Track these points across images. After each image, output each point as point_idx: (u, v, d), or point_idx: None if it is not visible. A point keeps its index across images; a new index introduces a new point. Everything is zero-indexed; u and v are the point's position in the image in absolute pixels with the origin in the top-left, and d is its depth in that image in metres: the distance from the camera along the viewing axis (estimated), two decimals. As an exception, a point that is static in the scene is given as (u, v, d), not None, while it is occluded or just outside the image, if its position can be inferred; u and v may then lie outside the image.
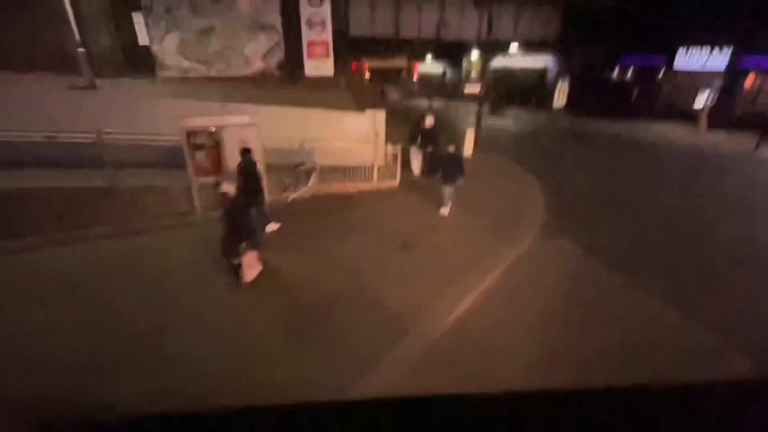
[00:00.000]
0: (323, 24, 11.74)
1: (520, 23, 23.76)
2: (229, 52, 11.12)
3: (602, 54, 23.34)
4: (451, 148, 8.69)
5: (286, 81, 12.02)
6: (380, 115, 11.60)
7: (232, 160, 7.85)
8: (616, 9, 23.61)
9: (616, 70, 22.78)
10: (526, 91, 28.71)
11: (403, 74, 47.11)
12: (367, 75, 48.75)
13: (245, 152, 6.87)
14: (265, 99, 10.93)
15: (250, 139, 7.85)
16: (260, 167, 7.33)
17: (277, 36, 11.58)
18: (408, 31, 20.53)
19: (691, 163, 13.45)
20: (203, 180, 7.76)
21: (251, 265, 5.51)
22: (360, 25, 19.01)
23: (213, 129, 7.47)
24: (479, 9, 21.58)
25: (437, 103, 33.12)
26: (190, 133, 7.28)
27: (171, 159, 8.40)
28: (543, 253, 6.95)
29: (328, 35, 11.89)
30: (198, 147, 7.44)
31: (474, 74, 36.88)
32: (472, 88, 14.53)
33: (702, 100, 19.78)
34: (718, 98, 18.44)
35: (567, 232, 7.79)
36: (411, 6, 19.87)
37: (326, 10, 11.60)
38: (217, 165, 7.77)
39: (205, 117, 7.44)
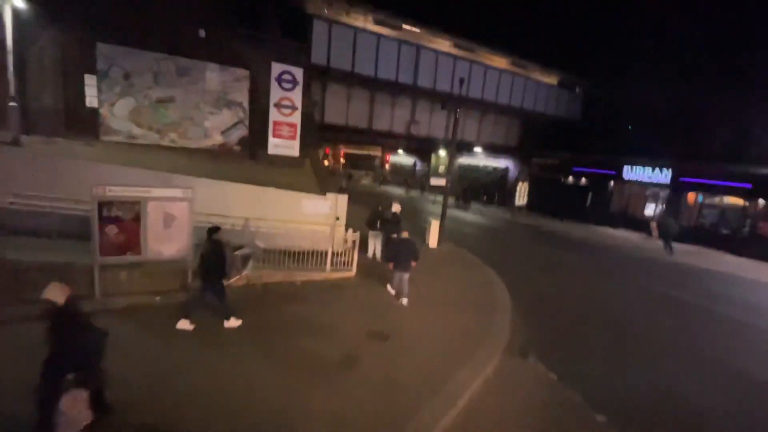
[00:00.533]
0: (293, 107, 11.71)
1: (484, 128, 25.82)
2: (187, 123, 10.59)
3: (558, 160, 25.30)
4: (405, 234, 8.33)
5: (247, 157, 11.47)
6: (342, 200, 11.03)
7: (154, 237, 6.65)
8: (568, 126, 26.47)
9: (571, 177, 24.49)
10: (489, 188, 30.17)
11: (377, 162, 49.37)
12: (342, 160, 50.88)
13: (213, 231, 5.97)
14: (219, 173, 10.16)
15: (181, 215, 6.79)
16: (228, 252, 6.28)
17: (243, 113, 11.32)
18: (380, 124, 21.51)
19: (653, 270, 13.44)
20: (112, 260, 6.40)
21: (74, 412, 3.56)
22: (335, 114, 19.74)
23: (133, 200, 6.39)
24: (447, 112, 23.41)
25: (407, 192, 34.03)
26: (105, 203, 6.14)
27: (85, 230, 7.06)
28: (511, 380, 5.81)
29: (296, 117, 11.81)
30: (112, 220, 6.24)
31: (442, 169, 39.17)
32: (438, 181, 14.61)
33: (651, 210, 21.13)
34: (665, 209, 19.71)
35: (536, 345, 6.81)
36: (384, 102, 21.13)
37: (297, 93, 11.69)
38: (134, 243, 6.51)
39: (128, 186, 6.39)
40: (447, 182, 13.64)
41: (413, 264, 8.00)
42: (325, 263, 9.17)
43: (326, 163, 48.85)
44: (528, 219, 23.26)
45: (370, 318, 7.10)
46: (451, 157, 13.96)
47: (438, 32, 19.08)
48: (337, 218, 10.97)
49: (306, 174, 11.87)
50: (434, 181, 14.84)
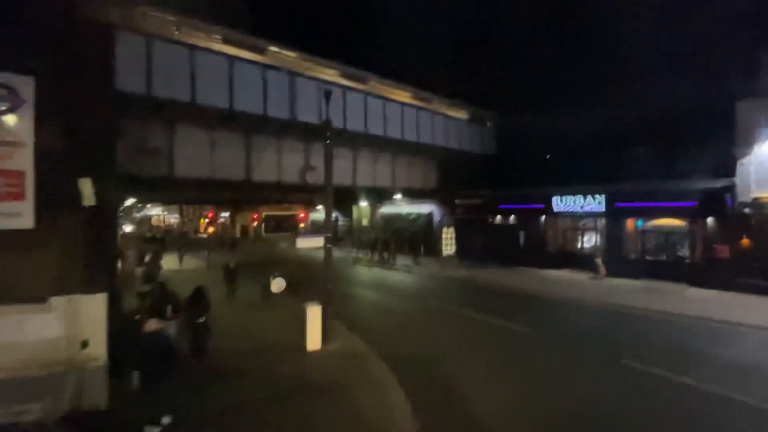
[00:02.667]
0: (12, 143, 6.47)
1: (398, 171, 22.42)
2: None
3: (482, 199, 22.47)
4: (152, 324, 5.26)
5: None
6: (94, 305, 5.67)
7: None
8: (487, 162, 24.25)
9: (498, 216, 21.60)
10: (415, 237, 26.37)
11: (297, 222, 44.05)
12: (254, 222, 44.78)
13: None
14: None
15: None
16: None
17: None
18: (264, 174, 16.82)
19: (633, 333, 9.65)
20: None
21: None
22: (193, 164, 14.68)
23: None
24: (353, 156, 19.75)
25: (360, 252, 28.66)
26: None
27: None
28: None
29: (22, 161, 6.53)
30: None
31: (365, 222, 35.07)
32: (310, 242, 9.82)
33: (589, 243, 18.49)
34: (607, 242, 17.03)
35: None
36: (267, 147, 16.66)
37: (22, 120, 6.52)
38: None
39: None
40: (327, 241, 8.95)
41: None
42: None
43: (212, 230, 42.30)
44: (459, 270, 19.35)
45: None
46: (329, 206, 9.47)
47: (317, 59, 15.63)
48: (85, 343, 5.53)
49: (48, 260, 6.42)
50: (302, 243, 9.96)
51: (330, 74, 15.81)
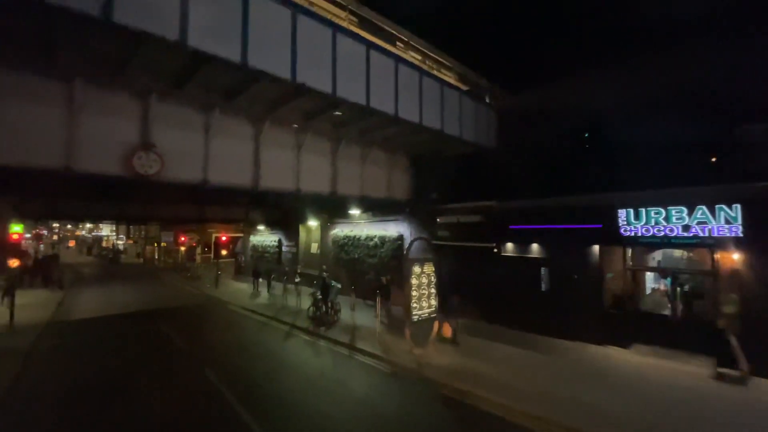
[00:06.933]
0: None
1: (343, 168, 13.51)
2: None
3: (482, 215, 13.64)
4: None
5: None
6: None
7: None
8: (483, 159, 15.70)
9: (509, 244, 12.74)
10: (379, 275, 17.23)
11: (239, 247, 34.17)
12: (183, 248, 34.80)
13: None
14: None
15: None
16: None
17: None
18: (42, 156, 7.60)
19: None
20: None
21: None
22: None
23: None
24: (253, 127, 10.86)
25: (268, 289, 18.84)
26: None
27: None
28: None
29: None
30: None
31: (314, 247, 25.79)
32: None
33: (693, 295, 9.72)
34: (745, 301, 8.22)
35: None
36: (29, 95, 7.56)
37: None
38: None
39: None
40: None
41: None
42: None
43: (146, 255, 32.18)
44: (441, 354, 10.21)
45: None
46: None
47: None
48: None
49: None
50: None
51: None
